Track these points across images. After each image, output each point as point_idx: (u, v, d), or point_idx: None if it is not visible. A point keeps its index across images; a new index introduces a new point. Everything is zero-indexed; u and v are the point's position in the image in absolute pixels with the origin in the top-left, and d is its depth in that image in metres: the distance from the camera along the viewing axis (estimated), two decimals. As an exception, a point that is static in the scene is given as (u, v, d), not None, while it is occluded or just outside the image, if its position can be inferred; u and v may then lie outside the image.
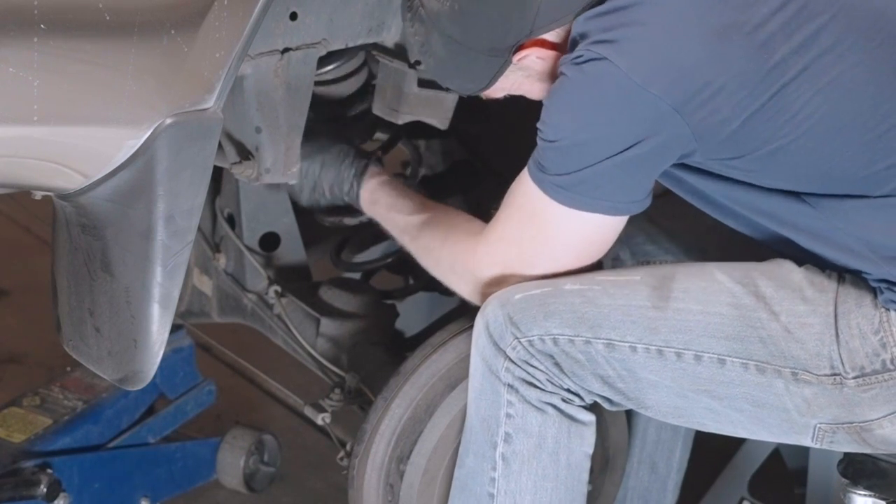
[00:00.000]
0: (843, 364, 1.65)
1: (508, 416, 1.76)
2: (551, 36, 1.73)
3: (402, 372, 1.98)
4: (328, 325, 2.33)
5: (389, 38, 2.06)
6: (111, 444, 2.50)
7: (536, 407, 1.76)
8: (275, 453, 2.77)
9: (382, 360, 2.27)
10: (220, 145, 1.86)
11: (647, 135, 1.62)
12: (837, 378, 1.65)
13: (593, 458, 2.11)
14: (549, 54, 1.74)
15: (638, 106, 1.61)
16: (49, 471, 2.26)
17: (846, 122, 1.63)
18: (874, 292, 1.67)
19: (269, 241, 2.44)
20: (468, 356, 1.83)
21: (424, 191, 2.27)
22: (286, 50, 1.90)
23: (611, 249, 1.80)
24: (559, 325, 1.73)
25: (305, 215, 2.48)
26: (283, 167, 2.00)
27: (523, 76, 1.79)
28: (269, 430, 2.78)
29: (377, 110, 2.19)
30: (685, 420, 1.80)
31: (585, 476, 1.83)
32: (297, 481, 2.86)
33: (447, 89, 1.96)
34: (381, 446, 1.97)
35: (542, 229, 1.74)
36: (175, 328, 2.59)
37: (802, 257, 1.74)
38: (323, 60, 1.99)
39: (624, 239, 1.99)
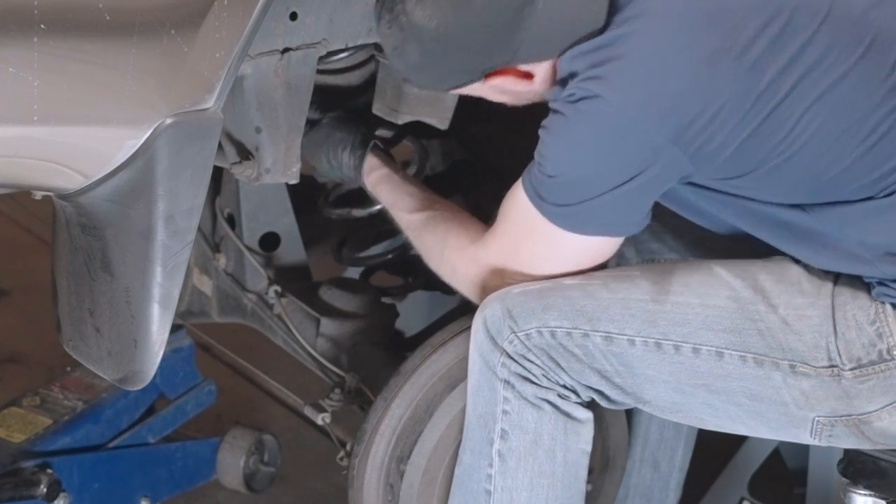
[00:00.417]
0: (840, 356, 1.65)
1: (505, 412, 1.76)
2: (527, 66, 1.73)
3: (402, 372, 1.98)
4: (328, 325, 2.33)
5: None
6: (111, 444, 2.50)
7: (532, 403, 1.76)
8: (275, 453, 2.77)
9: (382, 360, 2.27)
10: (220, 145, 1.86)
11: (645, 167, 1.64)
12: (835, 370, 1.66)
13: (594, 457, 2.11)
14: (521, 82, 1.75)
15: (634, 141, 1.62)
16: (49, 471, 2.26)
17: (839, 135, 1.63)
18: (868, 286, 1.68)
19: (269, 241, 2.44)
20: (468, 356, 1.83)
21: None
22: (286, 50, 1.90)
23: None
24: (557, 317, 1.73)
25: (305, 215, 2.48)
26: (283, 167, 2.00)
27: (488, 89, 1.78)
28: (269, 430, 2.78)
29: (377, 110, 2.18)
30: (683, 415, 1.80)
31: (583, 474, 1.83)
32: (297, 481, 2.86)
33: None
34: (381, 446, 1.97)
35: (541, 246, 1.75)
36: (175, 328, 2.59)
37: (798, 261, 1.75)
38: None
39: (629, 237, 2.00)
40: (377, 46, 2.07)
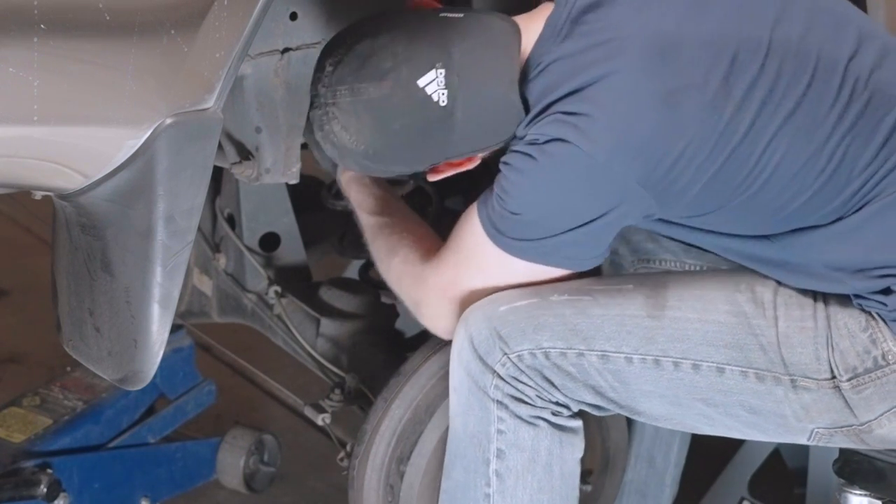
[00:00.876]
0: (836, 367, 1.64)
1: (500, 431, 1.74)
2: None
3: (403, 372, 1.98)
4: (328, 326, 2.33)
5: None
6: (111, 444, 2.50)
7: (528, 422, 1.74)
8: (275, 453, 2.77)
9: (382, 360, 2.27)
10: (220, 145, 1.86)
11: (610, 208, 1.65)
12: (834, 382, 1.65)
13: (594, 458, 2.12)
14: (467, 164, 1.78)
15: (602, 183, 1.62)
16: (49, 471, 2.26)
17: (800, 167, 1.63)
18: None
19: (269, 241, 2.44)
20: (450, 370, 1.80)
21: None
22: (286, 50, 1.90)
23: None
24: (550, 337, 1.71)
25: (305, 215, 2.48)
26: (283, 167, 2.00)
27: (437, 173, 1.81)
28: (269, 430, 2.78)
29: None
30: (677, 424, 1.79)
31: (577, 480, 1.82)
32: (297, 481, 2.86)
33: None
34: (382, 447, 1.97)
35: (494, 275, 1.76)
36: (175, 328, 2.60)
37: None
38: None
39: (624, 235, 2.00)
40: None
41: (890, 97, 1.64)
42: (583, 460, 1.83)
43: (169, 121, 1.35)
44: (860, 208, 1.64)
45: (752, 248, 1.72)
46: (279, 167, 1.99)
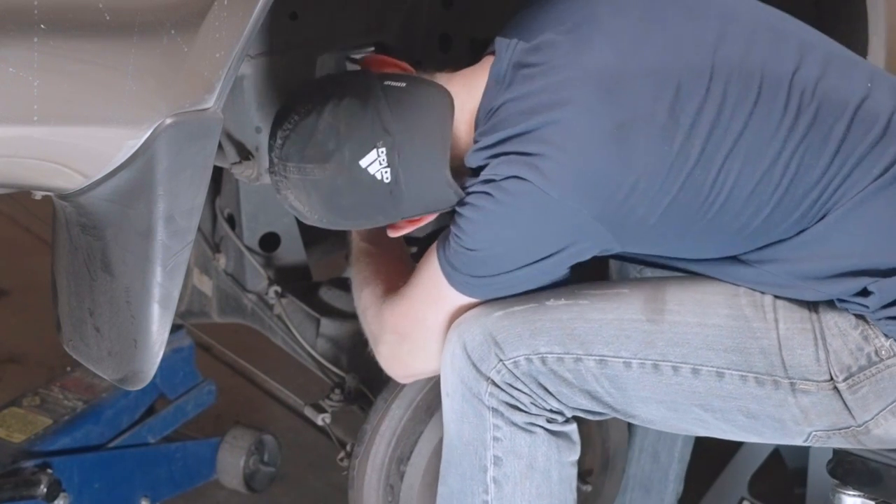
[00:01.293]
0: (832, 367, 1.64)
1: (496, 439, 1.74)
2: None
3: (403, 372, 1.98)
4: (328, 326, 2.33)
5: (389, 38, 2.06)
6: (111, 444, 2.50)
7: (524, 429, 1.74)
8: (275, 453, 2.77)
9: (382, 360, 2.26)
10: (220, 145, 1.86)
11: (566, 244, 1.67)
12: (832, 383, 1.65)
13: (594, 457, 2.12)
14: (423, 219, 1.80)
15: (557, 220, 1.64)
16: (49, 471, 2.26)
17: (755, 186, 1.63)
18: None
19: (269, 241, 2.44)
20: (442, 376, 1.80)
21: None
22: (286, 50, 1.90)
23: None
24: (547, 342, 1.71)
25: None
26: (283, 167, 1.99)
27: (396, 228, 1.84)
28: (269, 430, 2.78)
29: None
30: (671, 427, 1.79)
31: (574, 483, 1.82)
32: (297, 481, 2.86)
33: None
34: (382, 447, 1.97)
35: (446, 309, 1.78)
36: (175, 328, 2.60)
37: None
38: None
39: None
40: (376, 45, 2.07)
41: (837, 104, 1.64)
42: (582, 460, 1.83)
43: (169, 121, 1.35)
44: (822, 217, 1.64)
45: (723, 270, 1.72)
46: (279, 167, 1.99)
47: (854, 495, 1.88)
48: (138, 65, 1.32)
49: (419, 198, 1.72)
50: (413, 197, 1.72)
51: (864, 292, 1.63)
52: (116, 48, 1.30)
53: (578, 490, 1.86)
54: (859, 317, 1.65)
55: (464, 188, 1.71)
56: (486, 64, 1.75)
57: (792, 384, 1.65)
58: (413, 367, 1.85)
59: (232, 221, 2.43)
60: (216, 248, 2.47)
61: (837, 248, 1.64)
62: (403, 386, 1.98)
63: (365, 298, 1.92)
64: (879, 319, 1.63)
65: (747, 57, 1.65)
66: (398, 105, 1.71)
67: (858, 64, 1.75)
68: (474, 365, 1.73)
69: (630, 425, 2.17)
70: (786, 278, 1.67)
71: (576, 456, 1.80)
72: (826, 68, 1.67)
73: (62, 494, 2.25)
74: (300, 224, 2.45)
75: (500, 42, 1.73)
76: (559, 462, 1.76)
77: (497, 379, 1.72)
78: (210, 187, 1.98)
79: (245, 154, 1.99)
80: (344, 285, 2.40)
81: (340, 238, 2.54)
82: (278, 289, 2.36)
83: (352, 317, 2.34)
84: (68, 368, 2.59)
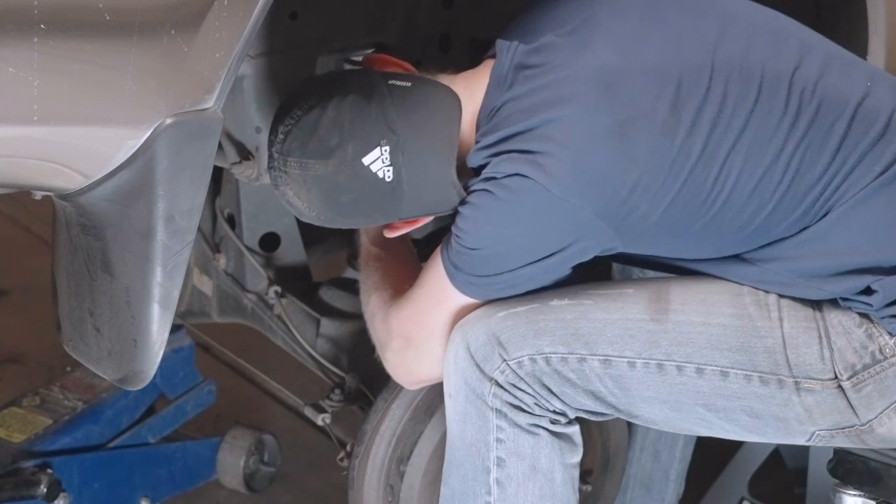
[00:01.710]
0: (836, 366, 1.64)
1: (499, 440, 1.74)
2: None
3: (403, 372, 1.98)
4: (328, 326, 2.33)
5: (389, 38, 2.06)
6: (111, 444, 2.50)
7: (527, 430, 1.74)
8: (275, 453, 2.77)
9: (382, 360, 2.26)
10: (220, 145, 1.86)
11: (569, 242, 1.66)
12: (837, 381, 1.65)
13: (594, 458, 2.11)
14: (420, 220, 1.81)
15: (559, 217, 1.64)
16: (49, 471, 2.26)
17: (757, 183, 1.63)
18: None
19: (269, 241, 2.44)
20: (445, 376, 1.80)
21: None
22: (286, 50, 1.90)
23: None
24: (551, 342, 1.71)
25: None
26: (284, 167, 1.99)
27: (394, 228, 1.85)
28: (269, 430, 2.78)
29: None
30: (674, 427, 1.79)
31: (577, 483, 1.82)
32: (297, 481, 2.86)
33: None
34: (382, 447, 1.97)
35: (450, 309, 1.78)
36: (175, 328, 2.60)
37: None
38: None
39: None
40: (377, 45, 2.07)
41: (838, 102, 1.64)
42: (583, 460, 1.83)
43: (169, 121, 1.35)
44: (824, 215, 1.64)
45: (726, 269, 1.72)
46: (279, 167, 1.99)
47: (854, 495, 1.88)
48: (138, 65, 1.32)
49: (420, 198, 1.72)
50: (414, 197, 1.72)
51: (868, 291, 1.63)
52: (116, 48, 1.30)
53: (578, 490, 1.86)
54: (863, 315, 1.64)
55: (466, 188, 1.71)
56: (488, 66, 1.75)
57: (796, 383, 1.65)
58: (419, 372, 1.85)
59: (232, 221, 2.43)
60: (216, 248, 2.47)
61: (839, 245, 1.64)
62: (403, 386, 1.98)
63: (373, 305, 1.92)
64: (883, 318, 1.63)
65: (747, 56, 1.65)
66: (403, 104, 1.71)
67: (858, 64, 1.75)
68: (478, 365, 1.73)
69: (631, 424, 2.17)
70: (789, 277, 1.67)
71: (578, 457, 1.80)
72: (826, 68, 1.68)
73: (62, 494, 2.25)
74: (300, 224, 2.45)
75: (501, 44, 1.73)
76: (562, 464, 1.76)
77: (501, 380, 1.72)
78: (210, 187, 1.98)
79: (245, 154, 1.99)
80: (344, 285, 2.40)
81: (340, 238, 2.55)
82: (278, 289, 2.36)
83: (352, 317, 2.34)
84: (68, 368, 2.59)
